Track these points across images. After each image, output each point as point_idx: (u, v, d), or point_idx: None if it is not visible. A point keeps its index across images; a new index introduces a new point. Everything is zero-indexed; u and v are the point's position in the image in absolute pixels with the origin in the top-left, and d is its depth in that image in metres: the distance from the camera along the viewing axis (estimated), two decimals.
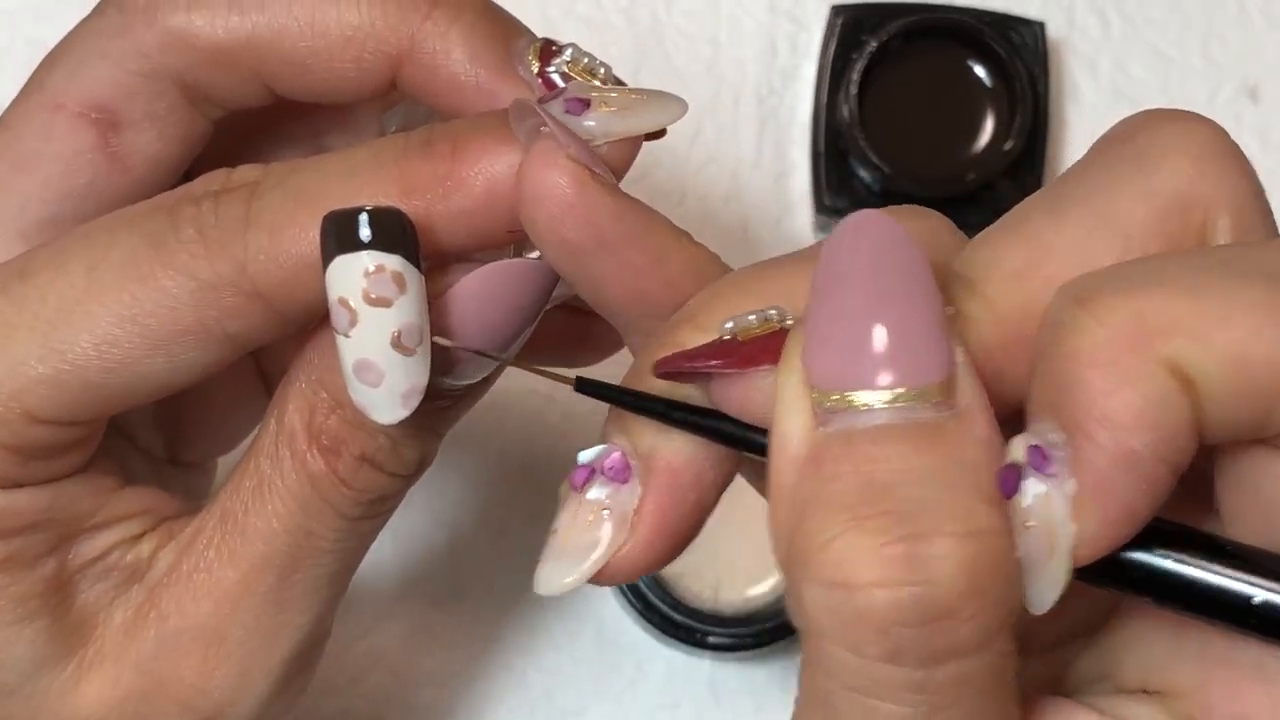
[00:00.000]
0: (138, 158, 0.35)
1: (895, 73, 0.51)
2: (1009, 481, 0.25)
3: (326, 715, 0.51)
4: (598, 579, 0.28)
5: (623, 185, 0.55)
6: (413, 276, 0.29)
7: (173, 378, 0.31)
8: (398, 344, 0.29)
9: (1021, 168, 0.52)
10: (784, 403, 0.25)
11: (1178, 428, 0.24)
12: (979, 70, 0.52)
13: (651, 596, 0.49)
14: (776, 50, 0.55)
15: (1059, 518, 0.25)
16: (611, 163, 0.30)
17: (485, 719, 0.51)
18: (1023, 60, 0.52)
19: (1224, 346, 0.24)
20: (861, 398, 0.24)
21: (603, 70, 0.32)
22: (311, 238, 0.29)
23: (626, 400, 0.28)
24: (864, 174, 0.51)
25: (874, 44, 0.51)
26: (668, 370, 0.27)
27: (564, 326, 0.39)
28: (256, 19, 0.33)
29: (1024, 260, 0.26)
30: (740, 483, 0.52)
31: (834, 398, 0.25)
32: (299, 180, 0.30)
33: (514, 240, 0.31)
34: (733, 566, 0.50)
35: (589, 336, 0.40)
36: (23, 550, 0.32)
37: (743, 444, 0.28)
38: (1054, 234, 0.26)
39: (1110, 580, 0.26)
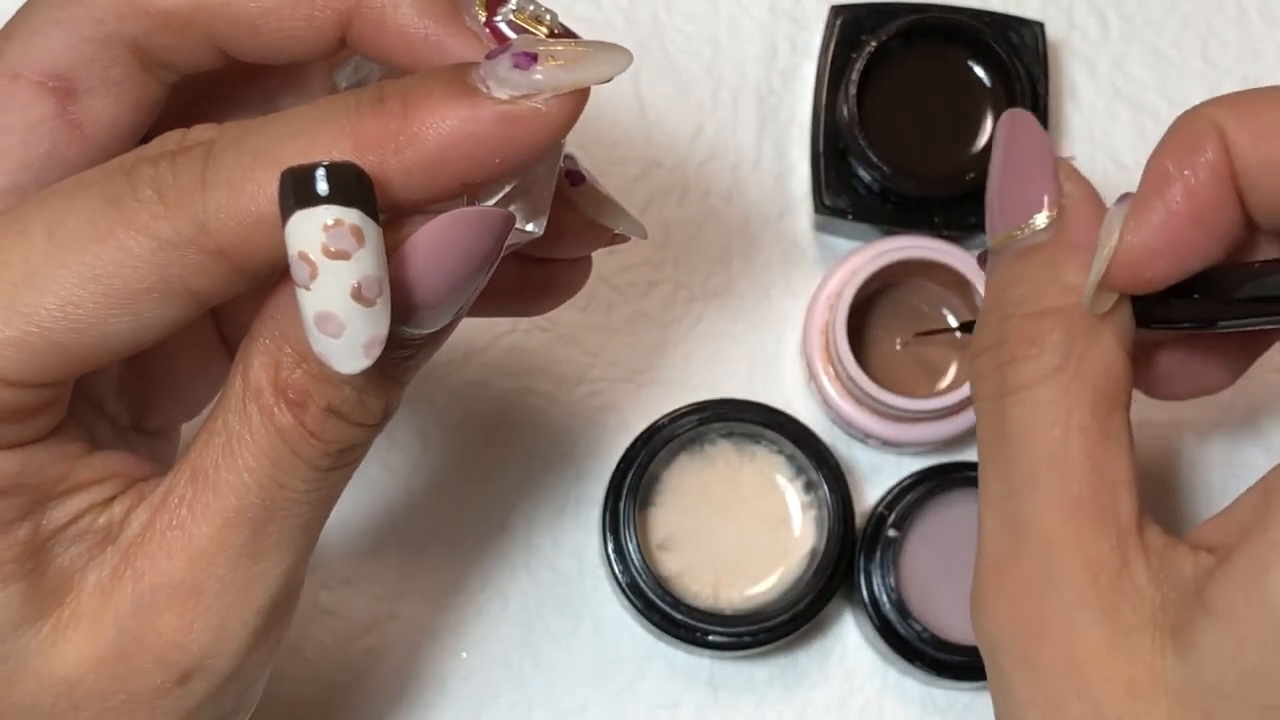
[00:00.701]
0: (96, 125, 0.35)
1: (895, 73, 0.51)
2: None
3: (327, 713, 0.51)
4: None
5: (623, 186, 0.55)
6: (371, 229, 0.29)
7: (139, 335, 0.32)
8: (358, 295, 0.29)
9: None
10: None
11: (1205, 163, 0.34)
12: (978, 70, 0.52)
13: (651, 596, 0.49)
14: (776, 50, 0.55)
15: (1107, 231, 0.35)
16: (560, 116, 0.31)
17: (485, 717, 0.51)
18: (1022, 60, 0.52)
19: (1255, 119, 0.34)
20: (1017, 232, 0.36)
21: (549, 17, 0.33)
22: (269, 194, 0.30)
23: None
24: (864, 174, 0.52)
25: (873, 44, 0.51)
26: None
27: (518, 274, 0.40)
28: None
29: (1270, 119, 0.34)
30: (741, 483, 0.52)
31: (1004, 237, 0.37)
32: (254, 139, 0.31)
33: (467, 193, 0.32)
34: (733, 566, 0.50)
35: (543, 283, 0.40)
36: None
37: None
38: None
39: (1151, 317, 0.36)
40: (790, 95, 0.55)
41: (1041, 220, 0.35)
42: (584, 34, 0.54)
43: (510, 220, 0.31)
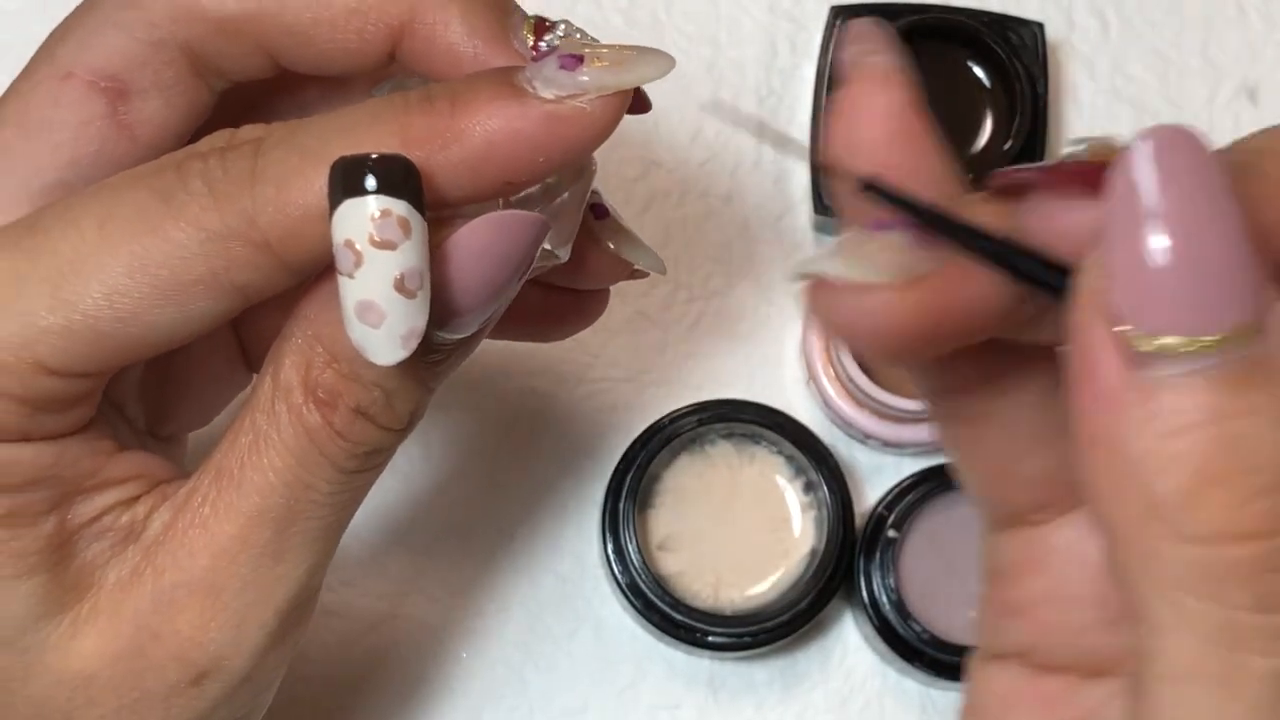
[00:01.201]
0: (145, 126, 0.35)
1: None
2: None
3: (328, 714, 0.51)
4: (851, 301, 0.26)
5: (623, 186, 0.55)
6: (417, 222, 0.29)
7: (182, 328, 0.32)
8: (400, 286, 0.29)
9: None
10: (1091, 343, 0.25)
11: None
12: (978, 71, 0.52)
13: (651, 596, 0.49)
14: (776, 50, 0.55)
15: None
16: (605, 116, 0.31)
17: (485, 717, 0.51)
18: (1022, 61, 0.52)
19: None
20: (1178, 340, 0.24)
21: (594, 44, 0.33)
22: (317, 189, 0.30)
23: (922, 210, 0.27)
24: None
25: None
26: (1004, 183, 0.27)
27: (538, 301, 0.40)
28: None
29: None
30: (741, 484, 0.52)
31: (1148, 342, 0.24)
32: (303, 136, 0.31)
33: (510, 191, 0.32)
34: (733, 566, 0.50)
35: (562, 312, 0.41)
36: (25, 505, 0.33)
37: (1031, 276, 0.26)
38: None
39: None
40: (790, 95, 0.55)
41: (1252, 328, 0.24)
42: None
43: (545, 225, 0.32)
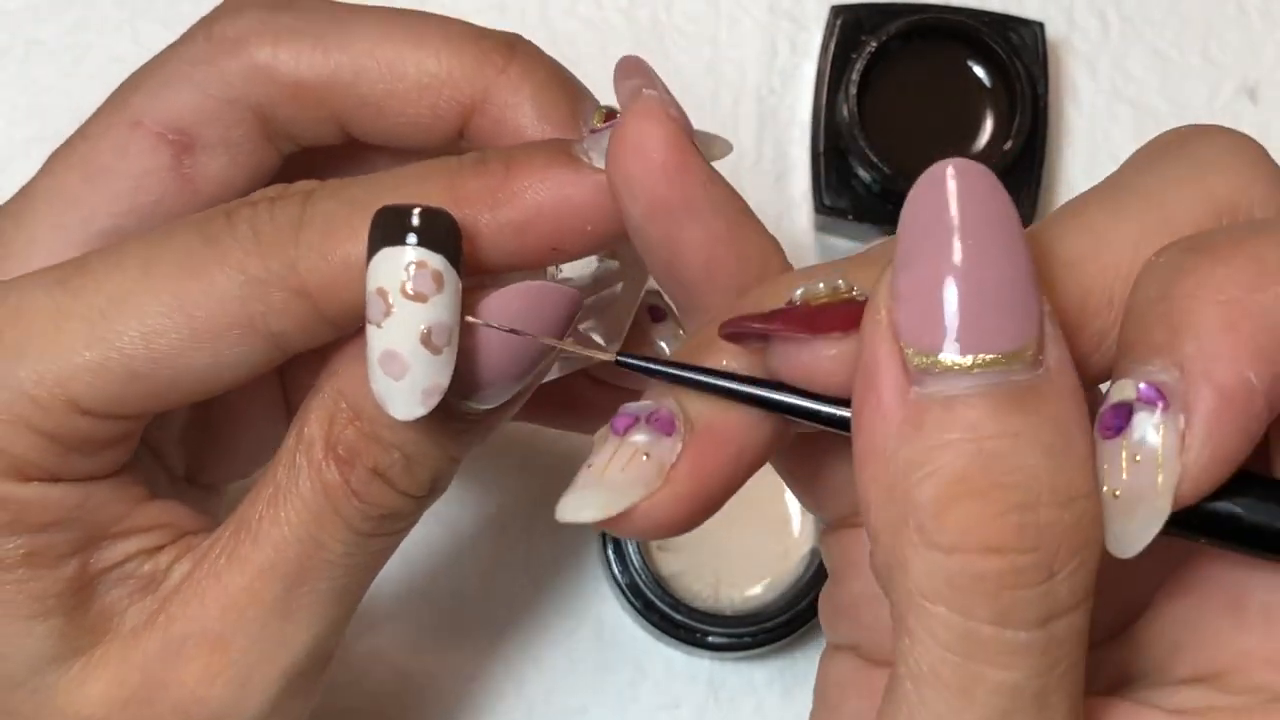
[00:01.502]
0: (208, 181, 0.36)
1: (895, 73, 0.51)
2: (1117, 420, 0.25)
3: (328, 714, 0.51)
4: (621, 522, 0.28)
5: None
6: (451, 278, 0.29)
7: (215, 375, 0.32)
8: (427, 340, 0.29)
9: (1021, 168, 0.52)
10: (873, 360, 0.25)
11: None
12: (978, 70, 0.52)
13: (651, 596, 0.49)
14: (776, 50, 0.55)
15: (1169, 452, 0.25)
16: None
17: (485, 718, 0.51)
18: (1022, 60, 0.52)
19: None
20: (955, 359, 0.25)
21: None
22: (361, 240, 0.30)
23: (673, 374, 0.28)
24: (864, 174, 0.52)
25: (874, 44, 0.51)
26: (733, 330, 0.28)
27: (582, 393, 0.40)
28: (339, 59, 0.34)
29: (1083, 249, 0.27)
30: None
31: (925, 359, 0.25)
32: (354, 189, 0.31)
33: (555, 259, 0.32)
34: (733, 566, 0.50)
35: (604, 407, 0.40)
36: (48, 547, 0.32)
37: (801, 413, 0.28)
38: (1111, 226, 0.27)
39: (1193, 524, 0.26)
40: (790, 95, 0.55)
41: (1030, 353, 0.25)
42: (584, 34, 0.55)
43: (577, 299, 0.31)
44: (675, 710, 0.52)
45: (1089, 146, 0.55)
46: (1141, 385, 0.25)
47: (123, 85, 0.36)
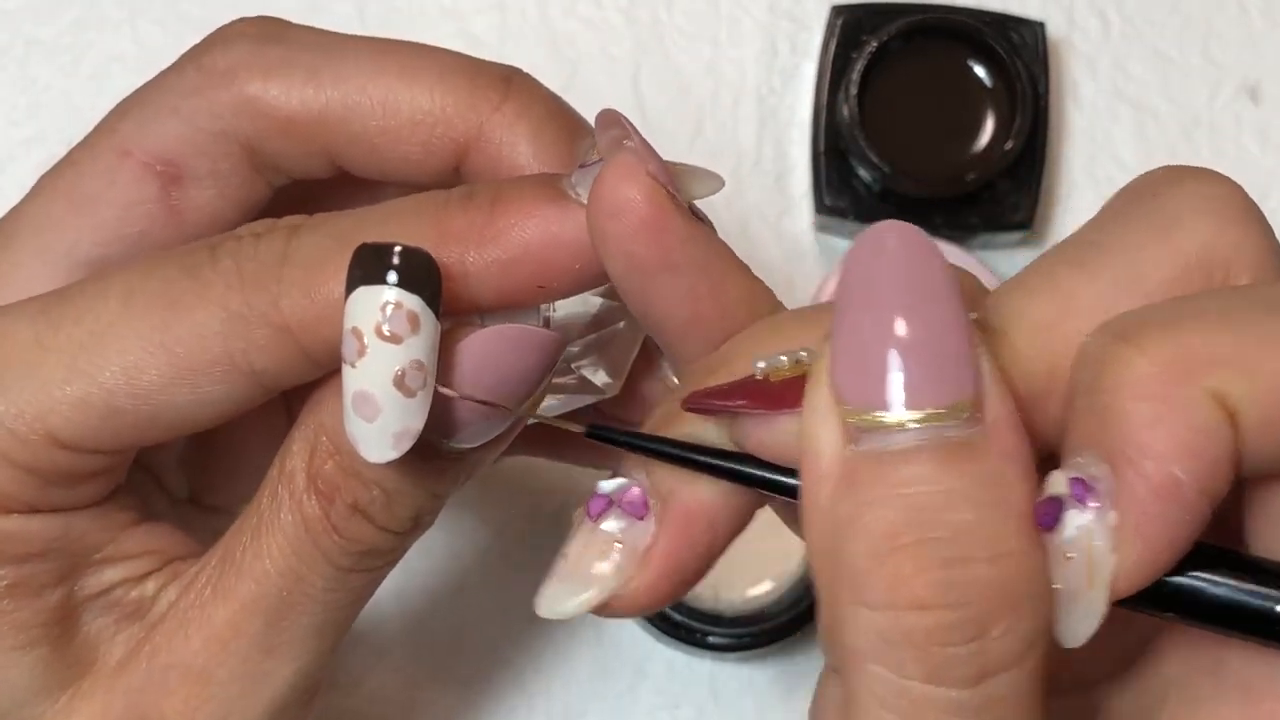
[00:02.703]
0: (195, 213, 0.35)
1: (895, 73, 0.51)
2: (1049, 514, 0.25)
3: (328, 715, 0.51)
4: (600, 610, 0.29)
5: None
6: (428, 320, 0.28)
7: (197, 411, 0.31)
8: (400, 383, 0.28)
9: (1021, 168, 0.52)
10: (813, 421, 0.25)
11: (1220, 458, 0.25)
12: (979, 70, 0.52)
13: None
14: (776, 50, 0.55)
15: (1100, 549, 0.25)
16: None
17: (485, 718, 0.51)
18: (1023, 60, 0.52)
19: (1268, 378, 0.24)
20: (890, 416, 0.25)
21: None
22: (344, 277, 0.29)
23: (642, 446, 0.29)
24: (864, 174, 0.52)
25: (874, 44, 0.51)
26: (695, 406, 0.28)
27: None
28: (331, 94, 0.34)
29: (1051, 312, 0.27)
30: None
31: (862, 415, 0.25)
32: (340, 224, 0.31)
33: (543, 297, 0.31)
34: (733, 566, 0.50)
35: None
36: (31, 577, 0.32)
37: (765, 485, 0.28)
38: (1080, 287, 0.27)
39: (1146, 604, 0.26)
40: (790, 95, 0.55)
41: (964, 408, 0.25)
42: (584, 34, 0.55)
43: (557, 343, 0.31)
44: (676, 711, 0.52)
45: (1089, 146, 0.55)
46: (1072, 477, 0.25)
47: (112, 113, 0.36)
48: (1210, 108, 0.55)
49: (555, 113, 0.34)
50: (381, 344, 0.28)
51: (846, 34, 0.52)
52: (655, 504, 0.29)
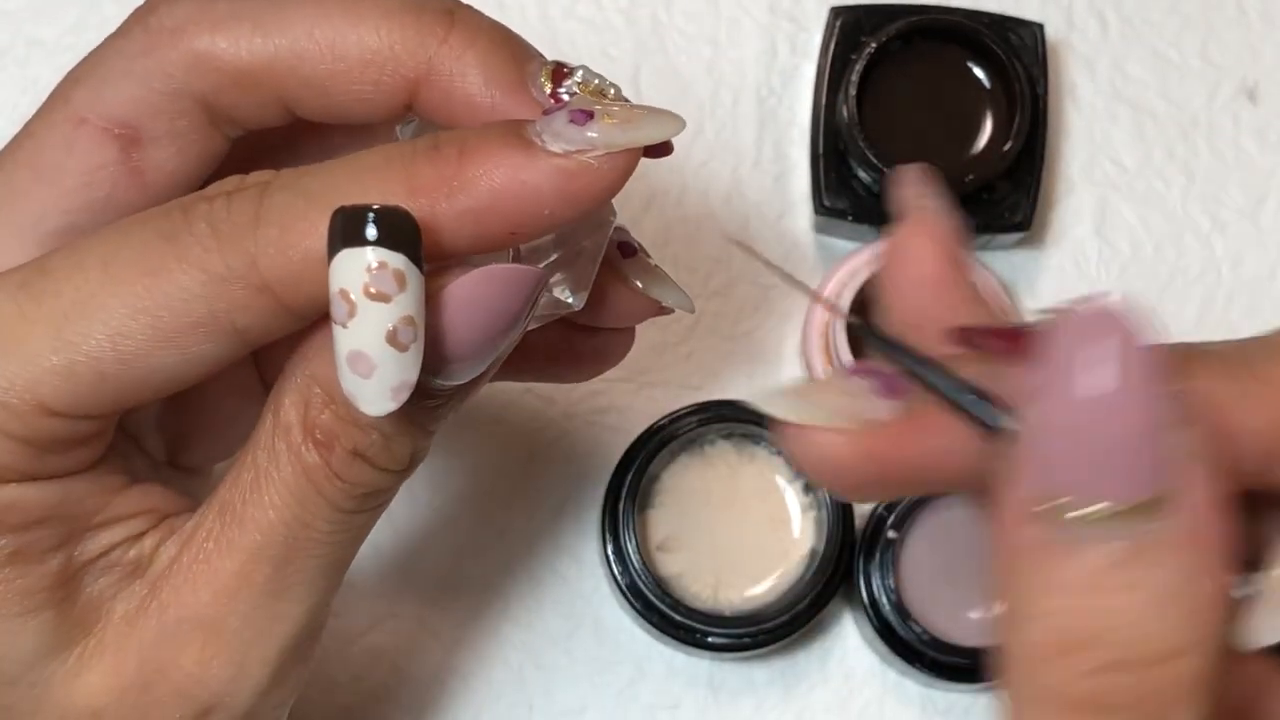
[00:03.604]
0: (157, 173, 0.36)
1: (894, 74, 0.51)
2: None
3: (328, 713, 0.51)
4: (799, 438, 0.28)
5: (623, 186, 0.55)
6: (413, 276, 0.29)
7: (184, 371, 0.32)
8: (392, 339, 0.29)
9: (1020, 169, 0.52)
10: (1006, 496, 0.26)
11: None
12: (978, 71, 0.52)
13: (651, 597, 0.49)
14: (776, 50, 0.55)
15: None
16: (612, 174, 0.31)
17: (484, 717, 0.51)
18: (1022, 61, 0.52)
19: None
20: (1078, 511, 0.25)
21: (612, 91, 0.34)
22: (320, 233, 0.30)
23: (907, 356, 0.28)
24: (863, 174, 0.52)
25: (873, 45, 0.51)
26: (960, 338, 0.28)
27: (561, 341, 0.40)
28: (279, 42, 0.34)
29: None
30: (740, 484, 0.52)
31: (1055, 502, 0.25)
32: (309, 180, 0.31)
33: (515, 242, 0.32)
34: (733, 566, 0.50)
35: (586, 352, 0.41)
36: (32, 544, 0.33)
37: (980, 423, 0.27)
38: None
39: None
40: (790, 96, 0.55)
41: (1158, 504, 0.25)
42: (584, 34, 0.55)
43: (542, 278, 0.32)
44: (675, 710, 0.52)
45: (1089, 147, 0.55)
46: None
47: (64, 80, 0.36)
48: (1209, 108, 0.55)
49: (501, 38, 0.35)
50: (371, 303, 0.29)
51: (846, 35, 0.52)
52: (906, 402, 0.28)
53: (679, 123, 0.32)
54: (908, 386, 0.28)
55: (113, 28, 0.54)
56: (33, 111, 0.55)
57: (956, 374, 0.27)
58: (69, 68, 0.56)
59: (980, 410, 0.27)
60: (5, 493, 0.32)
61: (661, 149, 0.33)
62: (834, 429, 0.27)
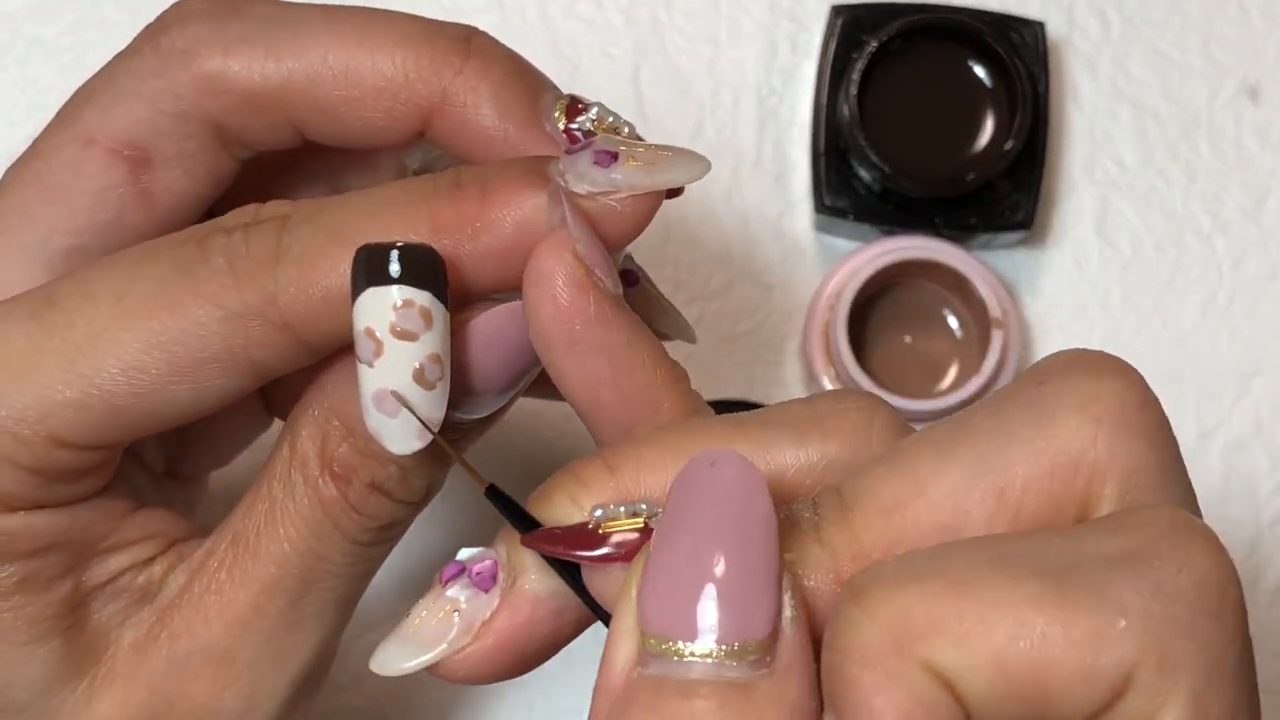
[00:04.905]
0: (166, 194, 0.35)
1: (895, 73, 0.51)
2: None
3: (329, 713, 0.51)
4: (433, 671, 0.30)
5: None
6: (439, 313, 0.29)
7: (197, 404, 0.31)
8: (420, 377, 0.29)
9: (1021, 168, 0.52)
10: (615, 631, 0.26)
11: None
12: (979, 70, 0.52)
13: None
14: (776, 50, 0.55)
15: None
16: (635, 216, 0.31)
17: (484, 717, 0.51)
18: (1023, 60, 0.52)
19: (981, 649, 0.23)
20: (682, 647, 0.25)
21: (626, 129, 0.33)
22: (341, 271, 0.30)
23: (520, 524, 0.29)
24: (864, 174, 0.52)
25: (874, 44, 0.51)
26: (534, 547, 0.29)
27: None
28: (292, 66, 0.34)
29: (898, 495, 0.26)
30: None
31: (658, 640, 0.25)
32: (329, 216, 0.31)
33: None
34: None
35: None
36: (40, 571, 0.32)
37: (601, 617, 0.29)
38: (935, 474, 0.26)
39: None
40: (790, 95, 0.55)
41: (754, 649, 0.25)
42: (584, 34, 0.55)
43: None
44: None
45: (1089, 146, 0.55)
46: None
47: (72, 99, 0.36)
48: (1210, 108, 0.55)
49: (516, 70, 0.34)
50: (397, 342, 0.29)
51: (846, 34, 0.52)
52: (505, 581, 0.29)
53: (704, 164, 0.31)
54: (495, 573, 0.29)
55: (112, 28, 0.55)
56: (32, 111, 0.56)
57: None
58: (69, 68, 0.56)
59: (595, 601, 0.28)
60: (13, 520, 0.32)
61: (673, 192, 0.32)
62: (450, 657, 0.29)
